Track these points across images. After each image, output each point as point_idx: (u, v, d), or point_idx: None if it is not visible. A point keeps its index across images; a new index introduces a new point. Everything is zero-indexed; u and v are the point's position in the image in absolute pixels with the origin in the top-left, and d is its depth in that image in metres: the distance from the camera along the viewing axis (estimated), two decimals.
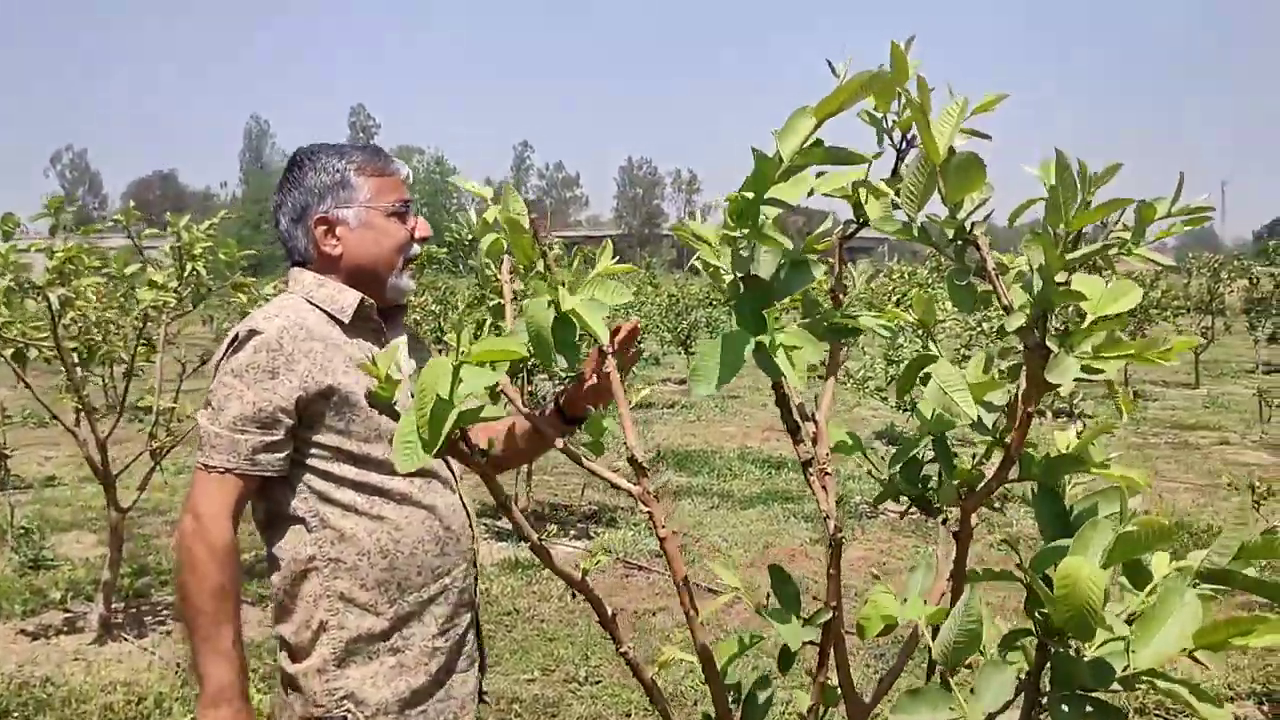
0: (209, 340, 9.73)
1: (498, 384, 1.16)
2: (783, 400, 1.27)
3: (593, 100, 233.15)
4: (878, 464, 1.51)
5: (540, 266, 1.27)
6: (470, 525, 2.03)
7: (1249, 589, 1.13)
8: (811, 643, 1.26)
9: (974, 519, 1.39)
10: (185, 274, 4.73)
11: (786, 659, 1.29)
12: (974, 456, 1.53)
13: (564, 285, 1.26)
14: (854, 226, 1.36)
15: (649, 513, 1.19)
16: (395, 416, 1.13)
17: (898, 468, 1.55)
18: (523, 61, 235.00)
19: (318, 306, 1.90)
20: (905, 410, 8.04)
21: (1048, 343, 1.08)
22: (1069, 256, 1.08)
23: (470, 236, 11.97)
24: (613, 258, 1.46)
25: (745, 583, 1.40)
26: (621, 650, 1.20)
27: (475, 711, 2.03)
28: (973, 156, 1.09)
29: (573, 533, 6.95)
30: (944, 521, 1.54)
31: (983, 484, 1.18)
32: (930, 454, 1.52)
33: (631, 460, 1.20)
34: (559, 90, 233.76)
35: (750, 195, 1.23)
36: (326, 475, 1.84)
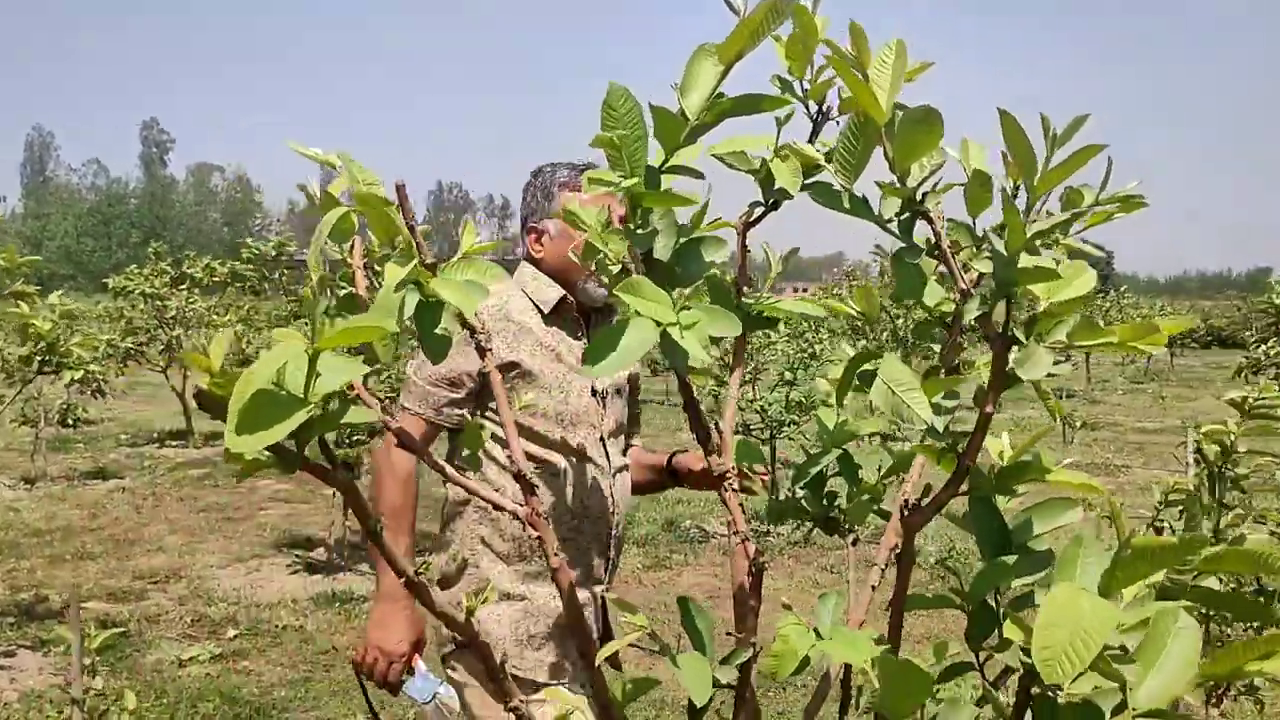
0: None
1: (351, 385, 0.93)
2: (692, 404, 1.09)
3: (399, 122, 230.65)
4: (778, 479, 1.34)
5: (402, 244, 1.06)
6: (611, 513, 2.27)
7: (1213, 604, 1.02)
8: (728, 686, 1.07)
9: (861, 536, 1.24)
10: None
11: (697, 711, 1.10)
12: (878, 469, 1.38)
13: (427, 265, 1.04)
14: (761, 209, 1.19)
15: (538, 537, 0.99)
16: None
17: (800, 485, 1.39)
18: (329, 84, 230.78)
19: (528, 296, 2.19)
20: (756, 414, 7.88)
21: (1013, 331, 0.93)
22: (1033, 229, 0.93)
23: (273, 254, 11.17)
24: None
25: None
26: (512, 705, 0.99)
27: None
28: (928, 111, 0.93)
29: None
30: (854, 542, 1.39)
31: (932, 497, 1.02)
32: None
33: (518, 477, 0.99)
34: (364, 111, 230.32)
35: (648, 160, 1.06)
36: (494, 435, 2.05)
